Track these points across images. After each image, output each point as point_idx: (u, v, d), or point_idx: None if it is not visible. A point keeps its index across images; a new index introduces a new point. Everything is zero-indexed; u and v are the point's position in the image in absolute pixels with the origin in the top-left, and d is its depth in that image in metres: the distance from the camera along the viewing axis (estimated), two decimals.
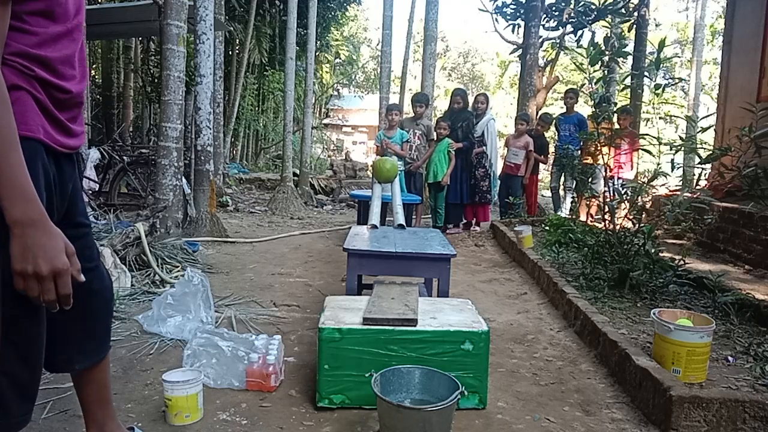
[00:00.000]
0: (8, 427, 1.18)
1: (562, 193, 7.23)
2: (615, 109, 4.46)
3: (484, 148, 6.55)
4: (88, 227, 1.46)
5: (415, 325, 2.14)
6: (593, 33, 10.13)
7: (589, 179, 4.34)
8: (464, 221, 6.78)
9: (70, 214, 1.36)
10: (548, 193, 8.12)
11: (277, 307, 3.47)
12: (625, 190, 3.74)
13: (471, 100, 6.83)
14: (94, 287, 1.43)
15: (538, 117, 7.60)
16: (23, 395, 1.19)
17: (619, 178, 5.29)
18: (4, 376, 1.14)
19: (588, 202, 5.26)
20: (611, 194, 3.83)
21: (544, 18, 9.97)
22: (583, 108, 8.35)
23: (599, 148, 3.92)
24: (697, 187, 3.53)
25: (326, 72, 22.69)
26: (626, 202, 3.68)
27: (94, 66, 11.48)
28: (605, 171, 3.96)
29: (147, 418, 2.02)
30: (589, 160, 4.50)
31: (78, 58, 1.27)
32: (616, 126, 4.74)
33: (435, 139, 6.38)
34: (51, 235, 1.07)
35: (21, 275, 1.05)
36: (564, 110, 7.34)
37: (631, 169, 6.42)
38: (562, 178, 7.22)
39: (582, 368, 2.61)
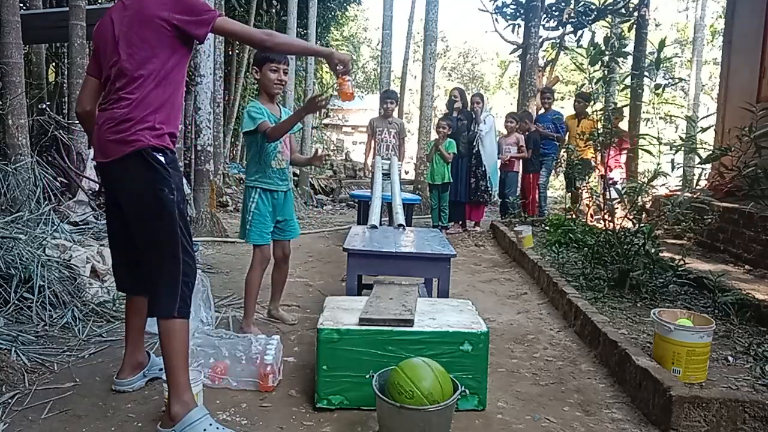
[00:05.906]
0: None
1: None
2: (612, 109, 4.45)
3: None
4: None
5: (411, 326, 2.13)
6: (593, 33, 10.09)
7: (585, 176, 4.35)
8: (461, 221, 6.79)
9: None
10: (549, 193, 8.14)
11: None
12: (621, 189, 3.74)
13: (483, 101, 6.81)
14: None
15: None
16: None
17: (609, 178, 5.27)
18: None
19: (588, 202, 5.25)
20: (608, 194, 3.83)
21: (544, 18, 9.98)
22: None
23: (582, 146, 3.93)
24: (697, 187, 3.53)
25: (326, 72, 22.66)
26: (625, 202, 3.67)
27: None
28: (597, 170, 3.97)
29: (147, 418, 2.02)
30: (586, 156, 4.51)
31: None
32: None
33: (437, 138, 6.37)
34: None
35: None
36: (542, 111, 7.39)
37: (619, 169, 6.32)
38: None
39: (582, 368, 2.61)
